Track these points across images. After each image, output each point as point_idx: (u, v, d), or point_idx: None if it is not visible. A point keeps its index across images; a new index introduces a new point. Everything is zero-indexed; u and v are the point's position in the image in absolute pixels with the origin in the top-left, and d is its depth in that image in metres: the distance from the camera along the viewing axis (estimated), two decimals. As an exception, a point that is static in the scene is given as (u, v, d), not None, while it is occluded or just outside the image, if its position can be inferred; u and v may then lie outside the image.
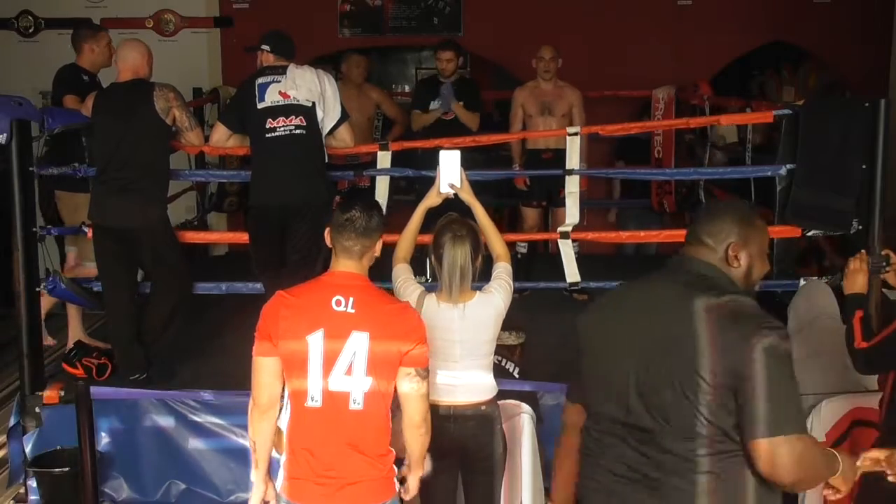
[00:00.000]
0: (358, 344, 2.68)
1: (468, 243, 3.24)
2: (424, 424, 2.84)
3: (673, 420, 2.13)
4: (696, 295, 2.18)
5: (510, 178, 6.20)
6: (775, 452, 2.06)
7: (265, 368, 2.73)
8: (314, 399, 2.69)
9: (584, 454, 2.34)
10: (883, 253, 3.16)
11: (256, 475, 2.83)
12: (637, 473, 2.19)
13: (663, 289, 2.32)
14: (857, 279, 3.11)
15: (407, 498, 2.94)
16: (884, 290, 3.18)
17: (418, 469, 2.93)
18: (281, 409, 2.80)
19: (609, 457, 2.25)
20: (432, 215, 3.58)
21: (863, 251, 3.15)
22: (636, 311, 2.31)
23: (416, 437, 2.85)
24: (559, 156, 5.86)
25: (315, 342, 2.68)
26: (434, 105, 6.13)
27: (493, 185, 6.51)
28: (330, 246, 2.84)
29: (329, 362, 2.68)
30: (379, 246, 2.87)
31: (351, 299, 2.71)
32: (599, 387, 2.31)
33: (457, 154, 3.55)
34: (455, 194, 3.56)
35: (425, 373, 2.78)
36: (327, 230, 2.83)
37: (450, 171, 3.53)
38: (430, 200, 3.57)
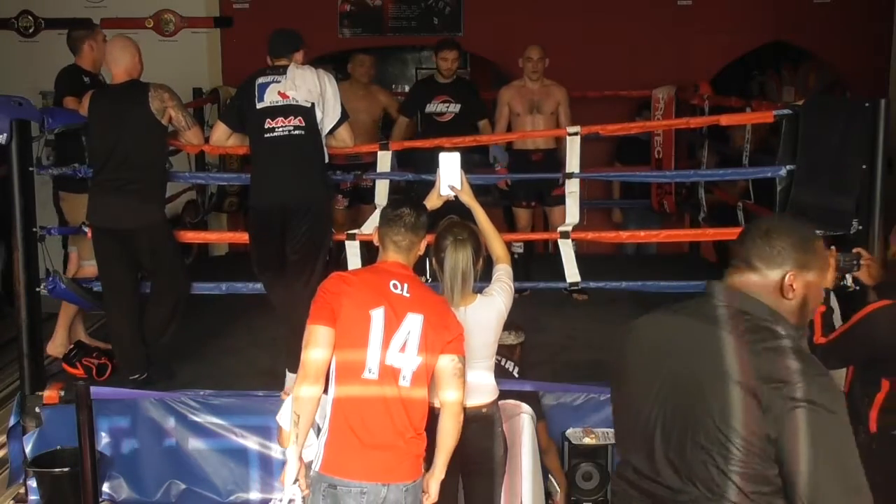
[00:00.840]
0: (413, 324, 2.87)
1: (469, 247, 3.25)
2: (463, 413, 2.99)
3: (700, 483, 1.89)
4: (729, 336, 1.90)
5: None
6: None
7: (321, 336, 2.83)
8: (371, 371, 2.83)
9: (613, 499, 2.21)
10: (854, 251, 3.22)
11: (292, 451, 2.88)
12: None
13: (693, 324, 2.00)
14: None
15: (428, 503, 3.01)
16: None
17: (441, 471, 3.01)
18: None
19: None
20: (433, 216, 3.58)
21: (833, 248, 3.09)
22: (660, 352, 2.02)
23: (454, 424, 2.97)
24: (549, 156, 5.89)
25: (377, 317, 2.85)
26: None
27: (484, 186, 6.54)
28: (377, 244, 3.06)
29: (388, 337, 2.84)
30: (424, 244, 3.08)
31: (406, 285, 2.93)
32: (627, 433, 2.09)
33: (457, 156, 3.56)
34: (455, 196, 3.57)
35: (464, 360, 2.99)
36: (375, 227, 3.05)
37: (450, 174, 3.54)
38: (431, 202, 3.58)
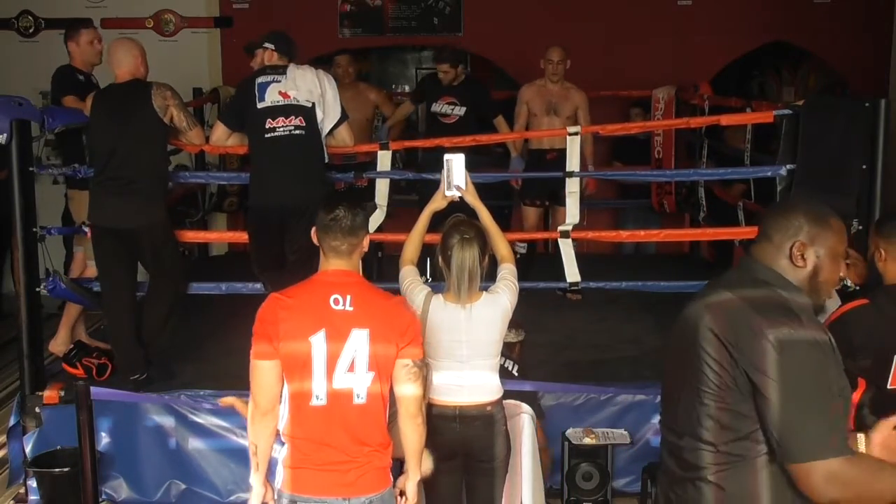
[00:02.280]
0: (359, 341, 2.72)
1: (476, 246, 3.25)
2: (421, 415, 2.89)
3: (689, 431, 2.08)
4: (727, 292, 2.08)
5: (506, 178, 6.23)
6: (809, 480, 1.93)
7: (266, 371, 2.74)
8: (319, 398, 2.72)
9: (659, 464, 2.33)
10: None
11: (256, 478, 2.86)
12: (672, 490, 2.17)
13: (708, 290, 2.17)
14: None
15: None
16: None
17: (416, 473, 2.94)
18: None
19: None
20: (438, 215, 3.60)
21: None
22: (684, 319, 2.18)
23: (413, 428, 2.87)
24: (563, 155, 5.87)
25: (318, 343, 2.70)
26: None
27: (494, 185, 6.53)
28: (318, 245, 2.86)
29: (332, 362, 2.71)
30: (366, 242, 2.89)
31: (348, 297, 2.75)
32: (664, 395, 2.27)
33: (461, 157, 3.57)
34: (460, 197, 3.57)
35: (422, 364, 2.85)
36: (314, 231, 2.86)
37: (455, 174, 3.55)
38: (436, 203, 3.58)
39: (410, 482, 2.93)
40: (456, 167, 3.55)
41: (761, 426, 1.99)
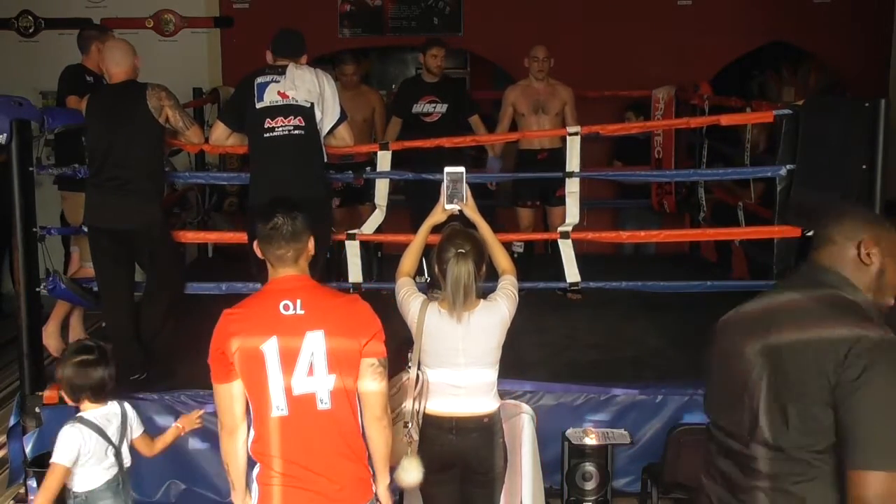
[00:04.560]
0: (314, 343, 2.64)
1: (471, 259, 3.21)
2: (386, 416, 2.81)
3: (754, 434, 2.09)
4: (804, 300, 2.10)
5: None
6: (864, 491, 1.88)
7: (226, 393, 2.70)
8: (279, 408, 2.64)
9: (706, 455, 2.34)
10: None
11: (235, 496, 2.81)
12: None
13: (777, 297, 2.21)
14: None
15: None
16: None
17: (384, 476, 2.86)
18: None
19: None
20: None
21: None
22: (752, 322, 2.21)
23: (378, 430, 2.78)
24: (554, 155, 5.87)
25: (270, 350, 2.63)
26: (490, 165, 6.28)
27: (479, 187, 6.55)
28: (261, 257, 2.79)
29: (288, 366, 2.63)
30: (312, 244, 2.81)
31: (298, 301, 2.67)
32: (718, 395, 2.27)
33: (461, 171, 3.56)
34: (460, 211, 3.57)
35: (385, 362, 2.76)
36: (255, 243, 2.78)
37: (455, 188, 3.55)
38: (436, 217, 3.58)
39: (381, 486, 2.84)
40: (456, 181, 3.55)
41: (837, 432, 1.96)
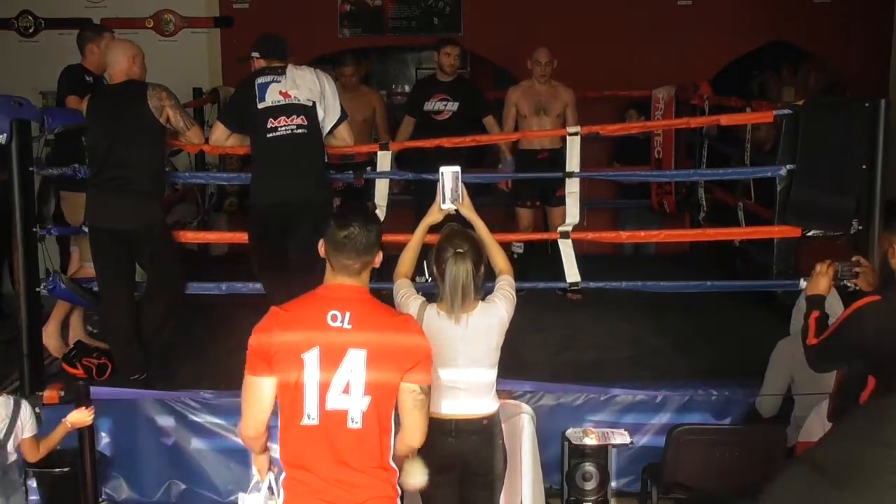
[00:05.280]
0: (355, 362, 2.57)
1: (469, 260, 3.20)
2: (420, 444, 2.75)
3: None
4: None
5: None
6: None
7: (259, 387, 2.62)
8: (310, 417, 2.58)
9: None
10: (854, 259, 3.29)
11: (256, 460, 2.91)
12: None
13: None
14: (820, 283, 3.22)
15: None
16: None
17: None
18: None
19: None
20: (432, 226, 3.59)
21: (829, 260, 3.25)
22: None
23: (407, 452, 2.76)
24: (554, 156, 5.88)
25: (311, 359, 2.57)
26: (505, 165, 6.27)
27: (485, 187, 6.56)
28: (322, 255, 2.71)
29: (326, 380, 2.57)
30: (379, 258, 2.76)
31: (347, 314, 2.60)
32: None
33: (457, 170, 3.56)
34: (456, 210, 3.56)
35: (429, 389, 2.67)
36: (322, 244, 2.70)
37: (451, 187, 3.54)
38: (432, 217, 3.56)
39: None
40: (452, 180, 3.54)
41: None
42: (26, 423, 3.41)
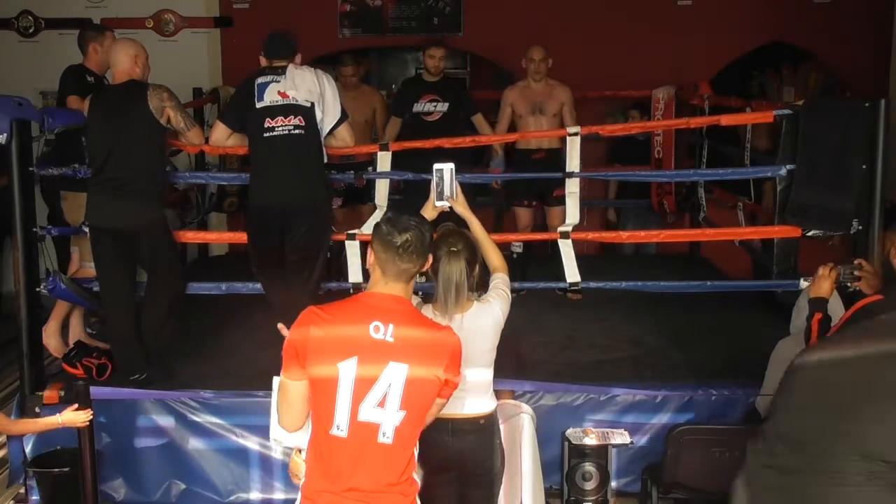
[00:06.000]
0: (395, 376, 2.53)
1: (463, 259, 3.18)
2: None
3: None
4: None
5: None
6: None
7: (293, 391, 2.57)
8: (339, 428, 2.53)
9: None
10: (856, 262, 3.31)
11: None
12: None
13: None
14: (822, 285, 3.26)
15: None
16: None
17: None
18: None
19: None
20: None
21: (831, 263, 3.28)
22: None
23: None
24: (551, 155, 5.88)
25: (347, 370, 2.51)
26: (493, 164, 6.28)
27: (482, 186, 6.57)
28: (372, 261, 2.65)
29: (361, 392, 2.52)
30: (430, 262, 2.74)
31: (391, 326, 2.54)
32: None
33: (451, 167, 3.55)
34: (450, 207, 3.56)
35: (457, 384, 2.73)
36: (371, 251, 2.65)
37: (445, 184, 3.54)
38: (426, 214, 3.55)
39: None
40: (446, 177, 3.54)
41: None
42: None
